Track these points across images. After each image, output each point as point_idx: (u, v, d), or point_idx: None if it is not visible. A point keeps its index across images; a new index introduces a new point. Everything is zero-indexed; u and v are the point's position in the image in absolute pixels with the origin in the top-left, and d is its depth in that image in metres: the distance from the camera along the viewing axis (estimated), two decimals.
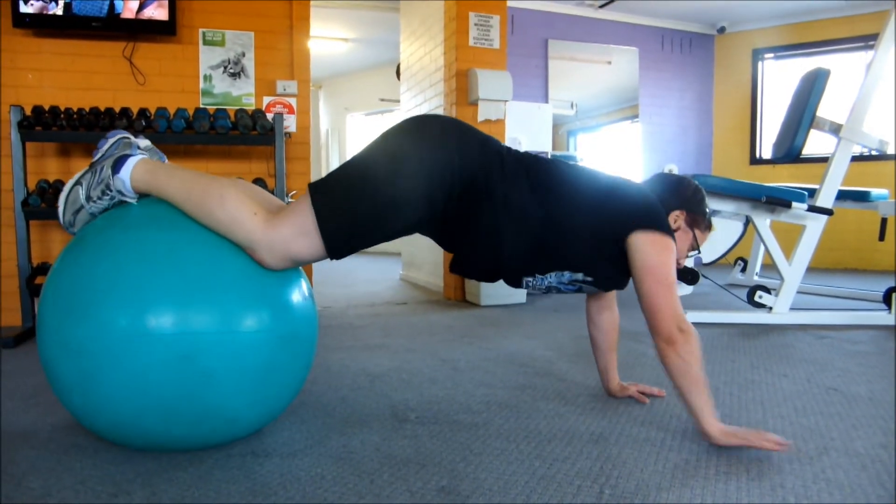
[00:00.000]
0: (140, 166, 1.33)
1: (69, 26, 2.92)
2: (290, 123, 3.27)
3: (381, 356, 2.29)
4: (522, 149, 4.15)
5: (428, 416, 1.62)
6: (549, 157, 4.77)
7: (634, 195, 1.46)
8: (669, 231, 1.44)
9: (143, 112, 2.84)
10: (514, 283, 1.51)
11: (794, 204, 2.74)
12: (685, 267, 2.72)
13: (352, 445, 1.41)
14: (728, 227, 3.06)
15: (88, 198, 1.35)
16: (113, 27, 2.96)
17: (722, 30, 5.82)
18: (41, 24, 2.88)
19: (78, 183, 1.37)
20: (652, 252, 1.39)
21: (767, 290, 2.90)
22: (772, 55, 5.75)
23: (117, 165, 1.33)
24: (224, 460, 1.32)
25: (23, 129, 2.68)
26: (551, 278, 1.49)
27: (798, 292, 2.93)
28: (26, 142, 2.72)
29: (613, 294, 1.77)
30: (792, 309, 2.88)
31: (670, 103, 5.85)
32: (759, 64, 5.80)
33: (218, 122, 2.86)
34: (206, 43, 3.19)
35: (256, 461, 1.32)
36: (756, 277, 4.11)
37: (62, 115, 2.76)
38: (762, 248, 4.14)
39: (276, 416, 1.47)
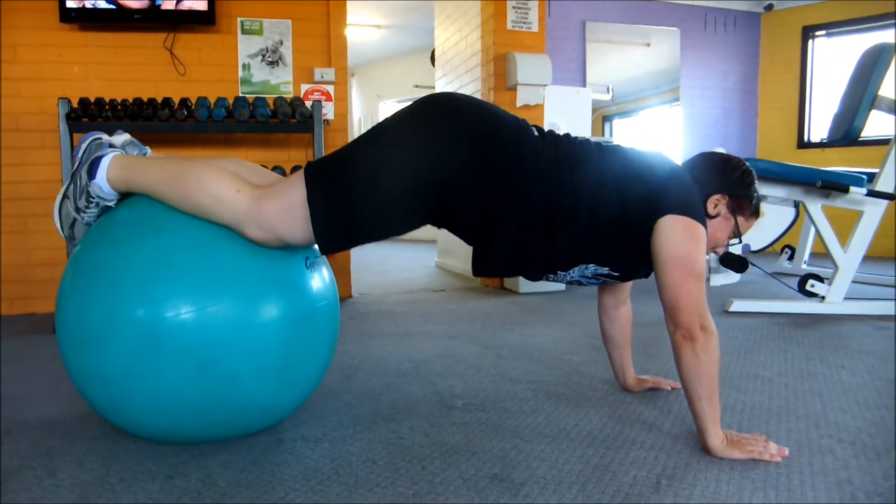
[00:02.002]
0: (114, 165, 1.27)
1: (112, 19, 2.97)
2: (328, 111, 3.27)
3: (423, 343, 2.28)
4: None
5: (475, 403, 1.60)
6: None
7: (667, 176, 1.33)
8: (702, 219, 1.30)
9: (184, 102, 2.88)
10: (536, 278, 1.41)
11: (853, 188, 2.61)
12: (734, 254, 2.62)
13: (401, 431, 1.40)
14: (778, 212, 2.94)
15: (77, 209, 1.29)
16: (154, 19, 3.00)
17: (769, 7, 5.59)
18: (86, 18, 2.94)
19: (65, 196, 1.30)
20: (681, 239, 1.25)
21: (820, 279, 2.78)
22: (823, 32, 5.49)
23: (92, 170, 1.27)
24: (275, 445, 1.33)
25: (70, 120, 2.74)
26: (574, 273, 1.38)
27: (852, 281, 2.81)
28: (73, 133, 2.78)
29: (629, 286, 1.66)
30: (846, 298, 2.76)
31: (713, 85, 5.66)
32: (810, 42, 5.56)
33: (257, 111, 2.87)
34: (244, 32, 3.20)
35: (307, 446, 1.32)
36: (804, 266, 3.97)
37: (107, 107, 2.81)
38: (811, 235, 3.99)
39: (310, 394, 1.44)
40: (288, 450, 1.30)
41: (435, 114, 1.23)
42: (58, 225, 1.32)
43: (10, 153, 2.99)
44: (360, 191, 1.18)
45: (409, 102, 1.29)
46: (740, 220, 1.41)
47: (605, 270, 1.39)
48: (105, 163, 1.27)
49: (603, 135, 5.61)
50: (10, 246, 3.02)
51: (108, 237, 1.25)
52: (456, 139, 1.20)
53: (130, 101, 2.85)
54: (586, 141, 1.36)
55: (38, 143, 3.01)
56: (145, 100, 2.87)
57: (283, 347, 1.24)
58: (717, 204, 1.39)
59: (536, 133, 1.30)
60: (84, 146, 1.31)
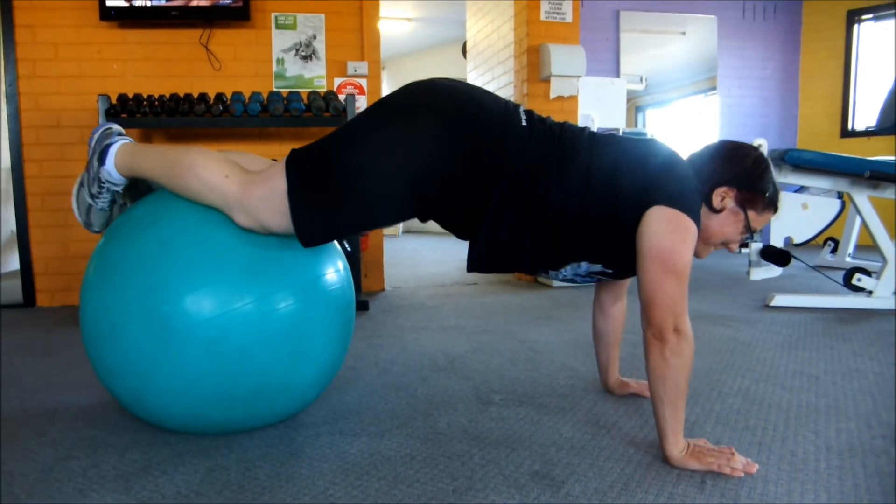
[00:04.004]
0: (120, 151, 1.34)
1: (150, 16, 3.01)
2: (362, 104, 3.27)
3: (457, 337, 2.27)
4: (595, 126, 4.02)
5: (512, 398, 1.58)
6: (621, 133, 4.59)
7: (659, 167, 1.23)
8: (693, 213, 1.19)
9: (219, 97, 2.91)
10: (531, 272, 1.36)
11: None
12: (776, 247, 2.51)
13: (438, 426, 1.39)
14: (823, 204, 2.85)
15: (91, 195, 1.36)
16: (190, 15, 3.04)
17: None
18: (125, 16, 3.00)
19: (81, 184, 1.38)
20: (665, 233, 1.16)
21: (867, 273, 2.68)
22: (870, 16, 5.28)
23: (102, 157, 1.34)
24: (313, 439, 1.33)
25: (110, 116, 2.80)
26: (567, 271, 1.33)
27: None
28: None
29: (627, 282, 1.58)
30: None
31: (752, 74, 5.50)
32: (855, 27, 5.35)
33: (292, 105, 2.89)
34: (278, 27, 3.22)
35: (345, 440, 1.32)
36: (849, 259, 3.84)
37: (145, 102, 2.86)
38: (856, 227, 3.85)
39: (331, 372, 1.42)
40: (326, 444, 1.31)
41: (410, 105, 1.20)
42: (76, 211, 1.38)
43: (50, 149, 3.07)
44: (338, 188, 1.17)
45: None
46: (751, 214, 1.28)
47: (599, 268, 1.33)
48: (114, 150, 1.34)
49: (636, 125, 5.50)
50: (51, 239, 3.11)
51: (119, 233, 1.31)
52: (432, 132, 1.16)
53: (167, 96, 2.89)
54: (580, 131, 1.28)
55: (77, 138, 3.08)
56: (182, 95, 2.91)
57: (288, 318, 1.23)
58: (723, 197, 1.27)
59: (525, 122, 1.23)
60: (96, 136, 1.37)
